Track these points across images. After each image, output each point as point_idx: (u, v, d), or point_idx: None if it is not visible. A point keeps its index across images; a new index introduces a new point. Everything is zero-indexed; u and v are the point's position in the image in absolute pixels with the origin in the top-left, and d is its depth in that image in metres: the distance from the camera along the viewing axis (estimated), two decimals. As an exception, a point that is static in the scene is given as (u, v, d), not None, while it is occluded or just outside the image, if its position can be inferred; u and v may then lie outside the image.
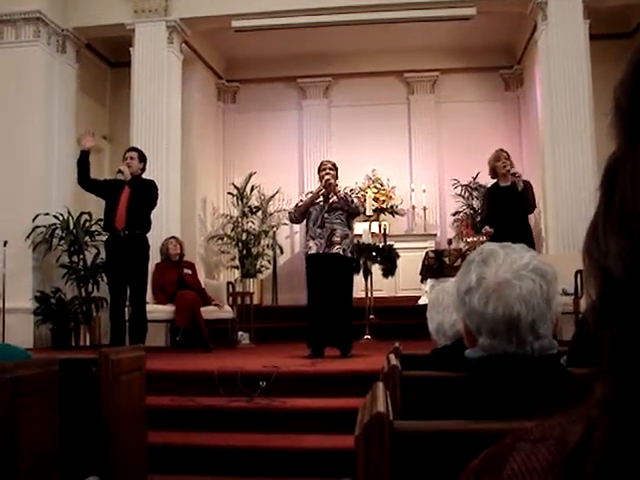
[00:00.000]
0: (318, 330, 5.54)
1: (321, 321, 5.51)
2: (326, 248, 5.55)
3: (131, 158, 6.10)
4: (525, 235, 5.61)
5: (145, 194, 6.00)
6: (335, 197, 5.64)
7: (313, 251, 5.59)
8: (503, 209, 5.90)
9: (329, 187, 5.64)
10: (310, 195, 5.77)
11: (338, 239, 5.57)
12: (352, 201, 5.66)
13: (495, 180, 6.16)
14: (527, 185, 6.01)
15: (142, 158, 6.17)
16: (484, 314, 1.23)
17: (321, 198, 5.68)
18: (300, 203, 5.78)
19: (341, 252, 5.56)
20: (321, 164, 5.95)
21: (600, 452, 0.37)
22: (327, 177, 5.68)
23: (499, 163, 6.04)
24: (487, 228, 5.95)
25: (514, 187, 5.93)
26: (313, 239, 5.62)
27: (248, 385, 4.44)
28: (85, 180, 6.13)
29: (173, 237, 7.27)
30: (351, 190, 5.95)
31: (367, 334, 6.92)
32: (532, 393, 1.16)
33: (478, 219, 8.97)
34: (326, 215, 5.63)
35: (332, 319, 5.48)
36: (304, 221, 5.85)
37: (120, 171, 6.03)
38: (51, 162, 7.67)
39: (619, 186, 0.38)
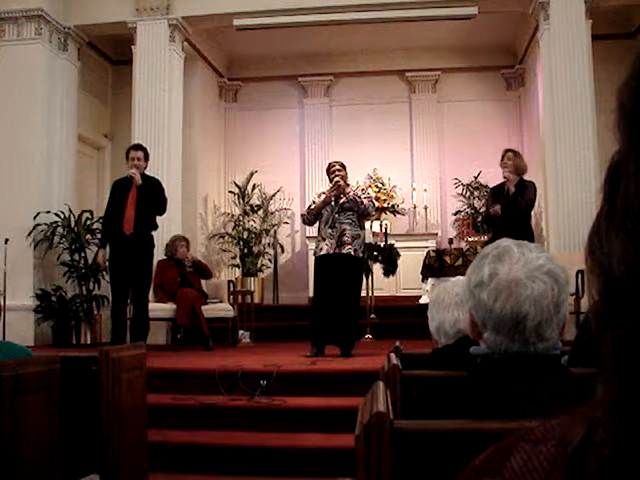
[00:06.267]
0: (320, 329, 5.54)
1: (325, 320, 5.50)
2: (337, 248, 5.52)
3: (138, 159, 5.99)
4: (525, 238, 5.54)
5: (153, 195, 5.94)
6: (344, 198, 5.63)
7: (324, 252, 5.55)
8: (503, 210, 5.87)
9: (338, 189, 5.63)
10: (322, 197, 5.73)
11: (349, 239, 5.54)
12: (362, 202, 5.60)
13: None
14: (527, 185, 5.98)
15: (147, 156, 6.11)
16: (492, 310, 1.23)
17: (332, 199, 5.68)
18: (312, 205, 5.75)
19: (352, 252, 5.53)
20: (329, 165, 5.91)
21: (602, 453, 0.37)
22: (336, 179, 5.67)
23: (501, 164, 6.06)
24: (496, 207, 5.87)
25: (519, 187, 5.92)
26: (324, 240, 5.59)
27: (249, 384, 4.44)
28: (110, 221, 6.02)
29: (184, 239, 7.22)
30: (362, 190, 5.91)
31: (368, 333, 6.92)
32: (533, 393, 1.16)
33: (479, 219, 8.97)
34: (337, 215, 5.60)
35: (337, 318, 5.47)
36: (316, 222, 5.84)
37: (131, 177, 5.91)
38: (53, 160, 7.66)
39: (622, 186, 0.38)
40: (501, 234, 5.97)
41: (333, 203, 5.65)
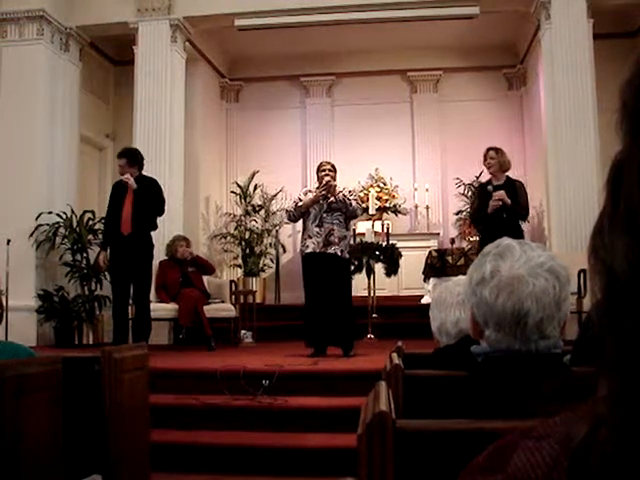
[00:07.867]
0: (316, 329, 5.55)
1: (319, 320, 5.51)
2: (323, 247, 5.55)
3: (120, 166, 6.04)
4: (514, 236, 5.42)
5: (151, 196, 5.96)
6: (333, 198, 5.63)
7: (310, 250, 5.59)
8: (494, 212, 5.76)
9: (329, 188, 5.64)
10: (312, 196, 5.71)
11: (336, 240, 5.57)
12: (350, 204, 5.64)
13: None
14: (517, 185, 5.85)
15: (132, 161, 6.03)
16: (493, 307, 1.23)
17: (321, 198, 5.67)
18: (300, 203, 5.74)
19: (338, 253, 5.56)
20: (320, 165, 5.94)
21: (605, 448, 0.37)
22: (327, 178, 5.68)
23: (485, 163, 5.99)
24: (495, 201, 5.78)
25: (508, 186, 5.83)
26: (310, 238, 5.62)
27: (251, 383, 4.44)
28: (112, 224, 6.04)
29: (184, 239, 7.22)
30: (350, 192, 5.92)
31: (370, 333, 6.93)
32: (535, 392, 1.16)
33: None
34: (325, 215, 5.62)
35: (332, 319, 5.49)
36: (301, 220, 5.84)
37: (126, 182, 5.95)
38: (54, 160, 7.67)
39: (625, 185, 0.39)
40: (490, 235, 5.83)
41: (321, 202, 5.66)
